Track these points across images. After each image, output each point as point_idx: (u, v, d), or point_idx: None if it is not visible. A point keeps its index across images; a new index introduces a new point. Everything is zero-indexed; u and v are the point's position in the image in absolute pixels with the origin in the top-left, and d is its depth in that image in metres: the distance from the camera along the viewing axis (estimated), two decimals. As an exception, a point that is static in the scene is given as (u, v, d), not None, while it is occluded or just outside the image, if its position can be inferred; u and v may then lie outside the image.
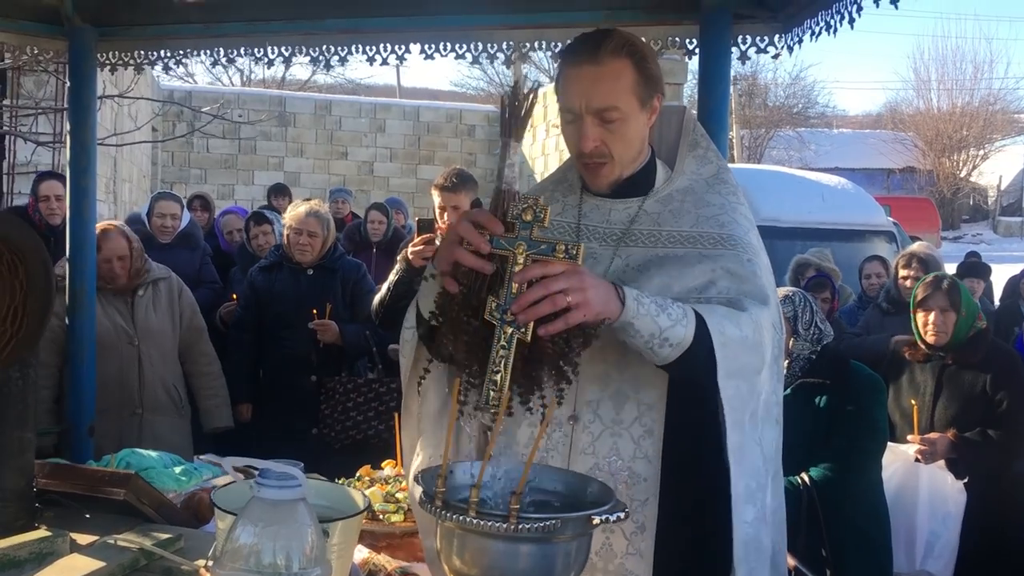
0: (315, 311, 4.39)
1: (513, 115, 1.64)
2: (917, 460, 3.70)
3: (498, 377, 1.52)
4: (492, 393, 1.52)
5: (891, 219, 9.80)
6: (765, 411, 1.77)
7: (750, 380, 1.70)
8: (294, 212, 4.58)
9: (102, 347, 3.92)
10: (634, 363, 1.77)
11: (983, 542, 3.71)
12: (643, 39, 1.89)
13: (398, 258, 3.62)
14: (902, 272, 5.39)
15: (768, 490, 1.79)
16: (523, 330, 1.51)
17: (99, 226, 4.10)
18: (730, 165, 2.03)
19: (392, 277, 3.54)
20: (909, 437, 3.79)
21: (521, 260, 1.55)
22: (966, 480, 3.72)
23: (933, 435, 3.76)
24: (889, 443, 3.59)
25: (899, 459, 3.70)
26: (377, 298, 3.67)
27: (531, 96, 1.68)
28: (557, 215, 1.91)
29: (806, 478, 3.30)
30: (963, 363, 3.87)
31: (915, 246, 6.03)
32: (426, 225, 3.50)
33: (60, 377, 3.92)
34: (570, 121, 1.81)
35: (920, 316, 3.92)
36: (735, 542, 1.68)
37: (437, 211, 3.93)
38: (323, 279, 4.53)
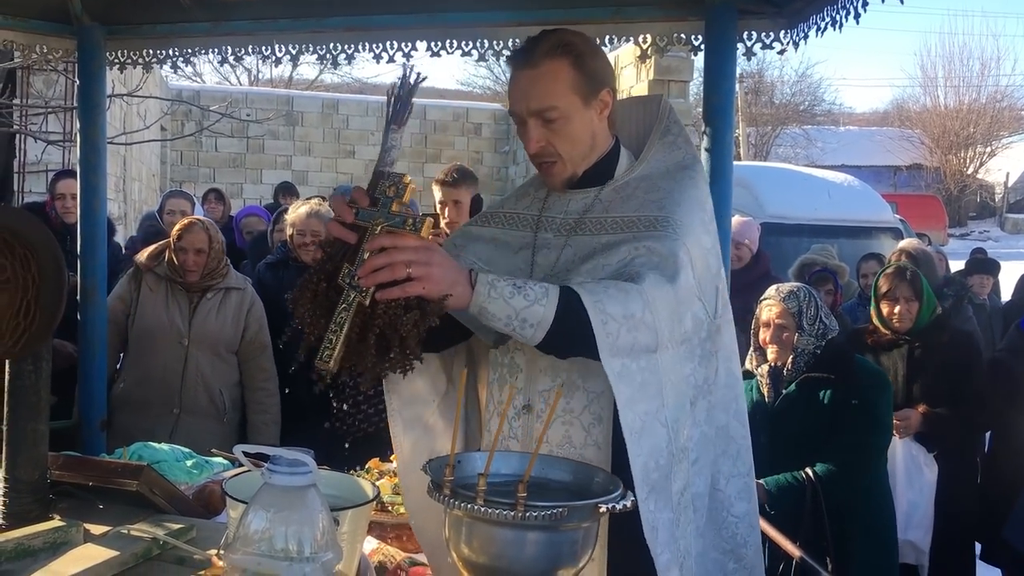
0: None
1: (397, 102, 1.70)
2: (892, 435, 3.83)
3: (334, 336, 1.55)
4: (326, 351, 1.55)
5: (898, 216, 9.82)
6: (676, 393, 1.72)
7: (640, 359, 1.65)
8: (295, 214, 4.52)
9: (152, 340, 3.95)
10: None
11: (952, 511, 3.92)
12: (587, 36, 1.87)
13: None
14: None
15: (679, 477, 1.72)
16: (363, 293, 1.54)
17: (184, 219, 4.22)
18: (737, 163, 2.03)
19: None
20: None
21: (378, 231, 1.58)
22: (936, 453, 3.96)
23: (907, 411, 3.96)
24: None
25: None
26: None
27: (414, 85, 1.72)
28: (524, 208, 1.96)
29: (811, 473, 3.31)
30: (929, 346, 4.07)
31: (906, 243, 6.16)
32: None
33: (117, 359, 4.04)
34: (518, 125, 1.85)
35: (885, 307, 4.12)
36: (642, 521, 1.63)
37: (438, 206, 3.97)
38: (330, 275, 4.54)
